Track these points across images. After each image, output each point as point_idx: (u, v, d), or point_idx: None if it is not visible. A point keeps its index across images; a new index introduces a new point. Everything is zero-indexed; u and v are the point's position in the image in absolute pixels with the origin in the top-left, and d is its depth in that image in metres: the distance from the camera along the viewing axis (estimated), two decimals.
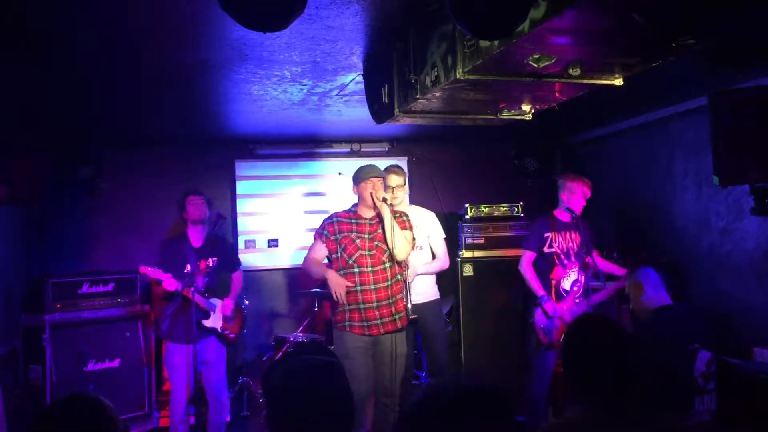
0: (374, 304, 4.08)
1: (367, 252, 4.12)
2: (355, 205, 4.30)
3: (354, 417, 1.84)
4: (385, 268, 4.13)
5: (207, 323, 4.63)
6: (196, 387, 4.66)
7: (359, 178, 4.20)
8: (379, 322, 4.08)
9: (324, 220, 4.29)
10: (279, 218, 6.71)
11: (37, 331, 5.04)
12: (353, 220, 4.21)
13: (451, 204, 6.54)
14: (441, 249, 4.88)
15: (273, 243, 6.66)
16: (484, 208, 6.14)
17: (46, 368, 4.97)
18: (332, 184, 6.74)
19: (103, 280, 5.49)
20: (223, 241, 4.87)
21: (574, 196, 4.74)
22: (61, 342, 5.12)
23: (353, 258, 4.10)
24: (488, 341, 5.86)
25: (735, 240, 4.79)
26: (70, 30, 3.31)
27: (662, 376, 3.26)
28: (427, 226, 4.85)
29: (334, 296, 4.08)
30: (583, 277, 4.75)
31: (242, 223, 6.66)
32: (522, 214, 6.11)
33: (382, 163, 6.92)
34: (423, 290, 4.76)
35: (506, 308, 5.74)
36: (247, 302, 5.95)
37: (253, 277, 6.27)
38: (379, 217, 4.18)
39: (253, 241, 6.66)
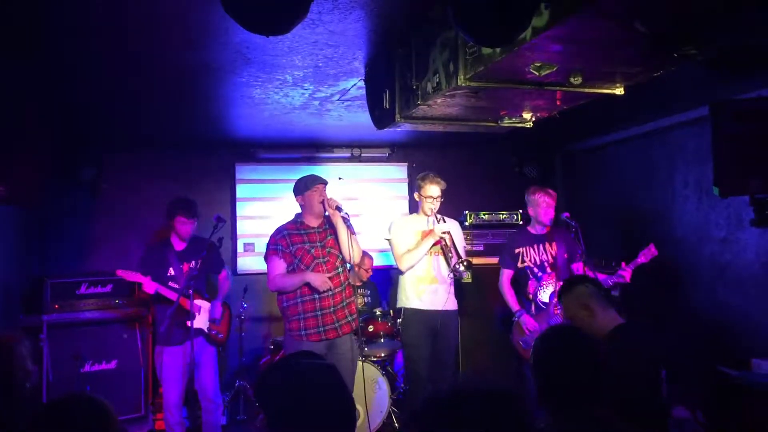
0: (331, 309, 4.26)
1: (321, 260, 4.29)
2: (299, 215, 4.43)
3: (354, 419, 1.84)
4: (338, 273, 4.34)
5: (194, 324, 4.61)
6: (190, 389, 4.67)
7: (305, 187, 4.36)
8: (336, 325, 4.27)
9: (273, 236, 4.40)
10: (278, 222, 6.67)
11: (34, 331, 5.03)
12: (302, 231, 4.36)
13: (451, 211, 6.54)
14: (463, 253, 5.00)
15: None
16: (484, 215, 6.13)
17: (43, 368, 4.96)
18: (332, 189, 6.72)
19: (102, 281, 5.48)
20: (204, 242, 4.87)
21: (540, 207, 4.76)
22: (59, 342, 5.12)
23: (310, 267, 4.26)
24: (486, 348, 5.84)
25: (734, 251, 4.79)
26: (72, 31, 3.32)
27: (634, 405, 3.08)
28: (458, 235, 4.95)
29: (322, 288, 4.21)
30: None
31: (241, 226, 6.65)
32: (521, 222, 6.10)
33: (381, 169, 7.02)
34: (447, 299, 4.81)
35: (502, 316, 5.72)
36: (245, 305, 5.94)
37: (251, 280, 6.26)
38: (329, 224, 4.37)
39: (252, 244, 6.65)
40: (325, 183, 4.38)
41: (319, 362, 1.88)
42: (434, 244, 4.74)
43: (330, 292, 4.25)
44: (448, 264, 4.73)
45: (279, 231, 4.39)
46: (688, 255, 5.14)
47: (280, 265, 4.29)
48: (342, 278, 4.35)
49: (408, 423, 1.49)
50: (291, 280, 4.25)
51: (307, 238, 4.32)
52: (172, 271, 4.73)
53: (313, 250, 4.29)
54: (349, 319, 4.33)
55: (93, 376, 5.22)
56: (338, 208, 4.24)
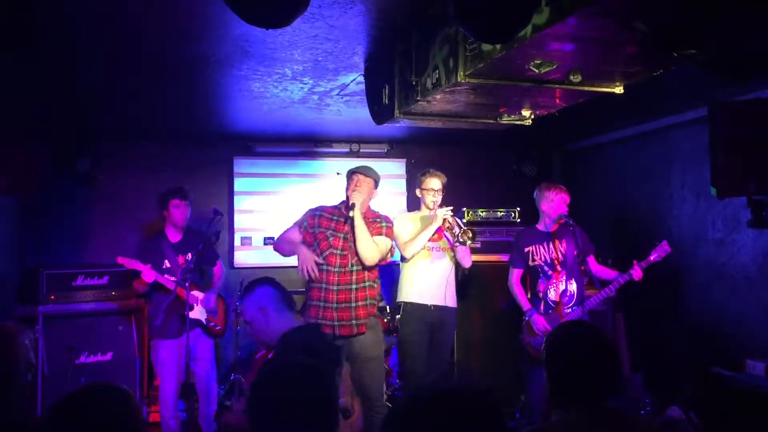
0: (333, 305, 4.05)
1: (338, 251, 4.10)
2: (343, 201, 4.27)
3: (336, 422, 1.83)
4: (351, 271, 4.09)
5: (191, 315, 4.61)
6: (186, 382, 4.67)
7: (347, 175, 4.24)
8: (336, 323, 4.04)
9: (307, 211, 4.26)
10: (276, 216, 6.69)
11: (29, 322, 5.01)
12: (335, 217, 4.19)
13: None
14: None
15: (269, 241, 6.64)
16: (482, 212, 6.12)
17: (38, 360, 4.95)
18: (330, 184, 6.73)
19: (98, 272, 5.46)
20: (199, 235, 4.85)
21: (554, 203, 4.73)
22: (54, 334, 5.10)
23: (324, 255, 4.10)
24: (482, 346, 5.84)
25: (731, 252, 4.80)
26: (70, 18, 3.31)
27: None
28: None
29: (302, 273, 4.04)
30: (574, 285, 4.72)
31: (239, 220, 6.64)
32: (519, 220, 6.10)
33: (380, 165, 6.96)
34: (448, 295, 4.81)
35: (501, 313, 5.73)
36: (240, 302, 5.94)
37: (248, 274, 6.23)
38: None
39: (249, 238, 6.65)
40: (364, 174, 4.17)
41: (307, 360, 1.87)
42: (437, 232, 4.73)
43: (335, 287, 4.06)
44: (452, 239, 4.69)
45: (315, 209, 4.26)
46: (684, 255, 5.15)
47: (292, 234, 4.20)
48: (354, 278, 4.10)
49: (387, 421, 1.46)
50: (287, 247, 4.15)
51: (334, 225, 4.15)
52: (167, 263, 4.73)
53: (332, 239, 4.12)
54: (353, 322, 4.06)
55: (88, 367, 5.21)
56: (351, 206, 4.08)
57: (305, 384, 1.78)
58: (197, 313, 4.70)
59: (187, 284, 4.48)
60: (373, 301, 4.17)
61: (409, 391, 1.40)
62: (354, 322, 4.07)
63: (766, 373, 4.08)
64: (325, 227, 4.16)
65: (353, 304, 4.08)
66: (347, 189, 4.19)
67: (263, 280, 3.15)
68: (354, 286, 4.10)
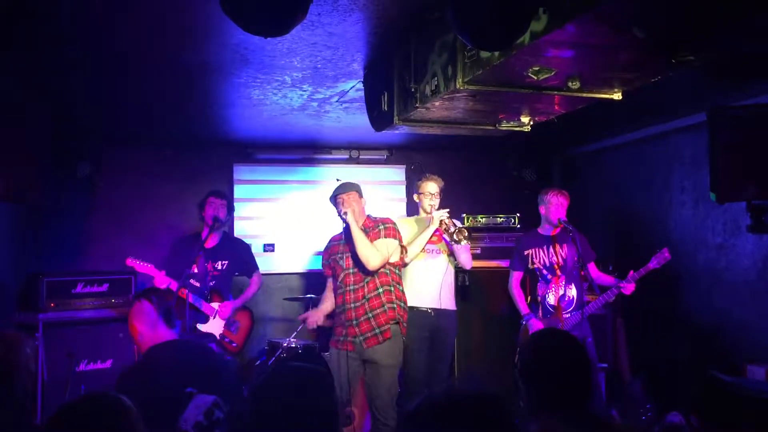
0: (354, 322, 4.16)
1: (351, 270, 4.22)
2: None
3: (336, 429, 1.83)
4: (363, 285, 4.19)
5: (204, 328, 4.55)
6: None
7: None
8: (360, 338, 4.15)
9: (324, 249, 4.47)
10: (276, 223, 6.70)
11: (29, 330, 5.01)
12: (342, 241, 4.32)
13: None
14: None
15: (269, 248, 6.65)
16: (481, 218, 6.13)
17: (38, 367, 4.94)
18: (330, 190, 6.72)
19: (98, 280, 5.46)
20: (238, 243, 4.81)
21: (552, 206, 4.74)
22: (54, 341, 5.09)
23: (341, 278, 4.25)
24: (482, 352, 5.83)
25: (731, 257, 4.79)
26: (70, 26, 3.31)
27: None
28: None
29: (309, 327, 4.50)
30: (573, 290, 4.73)
31: (239, 226, 6.64)
32: (519, 225, 6.10)
33: (380, 171, 7.01)
34: (447, 297, 4.80)
35: (501, 319, 5.73)
36: None
37: (248, 282, 6.24)
38: (365, 231, 4.25)
39: (249, 245, 6.64)
40: (341, 193, 4.31)
41: (306, 367, 1.87)
42: (435, 235, 4.74)
43: (353, 305, 4.18)
44: (449, 239, 4.71)
45: (328, 242, 4.47)
46: (684, 260, 5.15)
47: (328, 281, 4.46)
48: (366, 290, 4.20)
49: (401, 424, 1.46)
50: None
51: (341, 248, 4.30)
52: (195, 269, 4.64)
53: (342, 261, 4.27)
54: (377, 331, 4.16)
55: (88, 375, 5.19)
56: (344, 214, 4.20)
57: (305, 390, 1.77)
58: (212, 326, 4.58)
59: (186, 287, 4.43)
60: (391, 305, 4.22)
61: (422, 397, 1.41)
62: (377, 330, 4.16)
63: (767, 378, 4.07)
64: (336, 253, 4.32)
65: (371, 314, 4.17)
66: (338, 214, 4.28)
67: (142, 293, 3.23)
68: (367, 297, 4.18)
